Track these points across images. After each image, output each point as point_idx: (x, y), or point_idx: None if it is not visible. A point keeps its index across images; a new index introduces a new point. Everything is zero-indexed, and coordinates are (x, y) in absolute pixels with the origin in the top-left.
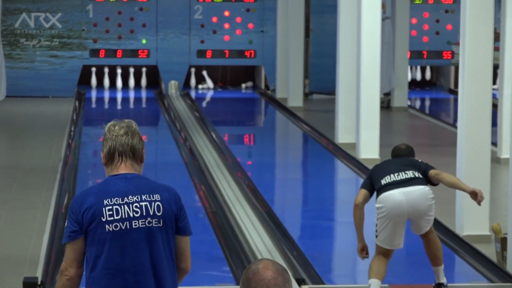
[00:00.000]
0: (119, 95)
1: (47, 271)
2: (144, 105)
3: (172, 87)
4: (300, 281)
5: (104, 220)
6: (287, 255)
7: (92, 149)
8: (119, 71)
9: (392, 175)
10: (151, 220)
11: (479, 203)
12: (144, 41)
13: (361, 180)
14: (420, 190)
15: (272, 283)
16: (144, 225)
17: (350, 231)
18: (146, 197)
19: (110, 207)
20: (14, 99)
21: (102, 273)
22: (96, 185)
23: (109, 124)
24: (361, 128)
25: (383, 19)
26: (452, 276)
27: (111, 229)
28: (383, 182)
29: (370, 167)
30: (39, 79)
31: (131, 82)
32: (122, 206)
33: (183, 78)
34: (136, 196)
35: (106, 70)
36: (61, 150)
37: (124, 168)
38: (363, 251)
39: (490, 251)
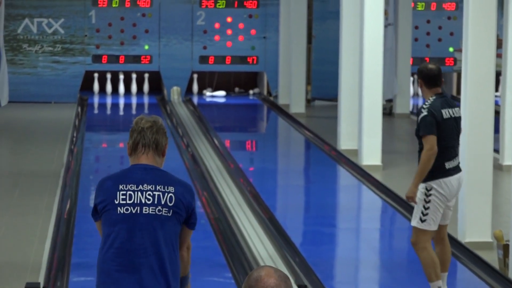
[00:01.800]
0: (121, 101)
1: (49, 276)
2: (146, 111)
3: (175, 93)
4: None
5: (116, 203)
6: (289, 262)
7: (94, 154)
8: (121, 77)
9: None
10: (161, 209)
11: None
12: (146, 47)
13: (364, 187)
14: (462, 177)
15: None
16: (154, 212)
17: (352, 238)
18: (160, 187)
19: (124, 192)
20: (17, 105)
21: (109, 252)
22: (118, 171)
23: (137, 117)
24: (364, 135)
25: (385, 26)
26: (454, 283)
27: (122, 212)
28: (447, 166)
29: (373, 173)
30: (41, 84)
31: (134, 88)
32: (136, 192)
33: (186, 84)
34: (151, 186)
35: (109, 76)
36: (63, 156)
37: (145, 158)
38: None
39: (492, 258)
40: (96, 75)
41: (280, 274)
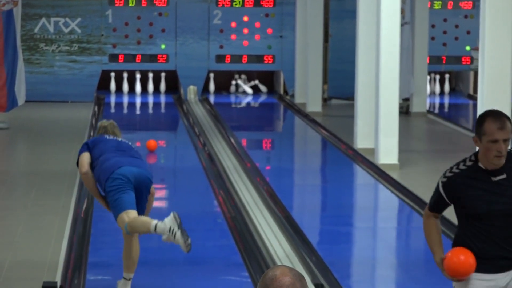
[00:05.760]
0: (138, 100)
1: (66, 275)
2: (163, 110)
3: (191, 92)
4: (319, 287)
5: (106, 136)
6: (305, 261)
7: None
8: (138, 76)
9: None
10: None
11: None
12: (163, 46)
13: (380, 186)
14: None
15: None
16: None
17: (369, 237)
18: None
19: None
20: (33, 104)
21: (110, 150)
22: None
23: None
24: (380, 134)
25: (402, 25)
26: None
27: (109, 138)
28: None
29: (389, 172)
30: (58, 84)
31: (150, 87)
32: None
33: (202, 83)
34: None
35: (125, 75)
36: None
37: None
38: None
39: None
40: (112, 74)
41: (295, 273)
